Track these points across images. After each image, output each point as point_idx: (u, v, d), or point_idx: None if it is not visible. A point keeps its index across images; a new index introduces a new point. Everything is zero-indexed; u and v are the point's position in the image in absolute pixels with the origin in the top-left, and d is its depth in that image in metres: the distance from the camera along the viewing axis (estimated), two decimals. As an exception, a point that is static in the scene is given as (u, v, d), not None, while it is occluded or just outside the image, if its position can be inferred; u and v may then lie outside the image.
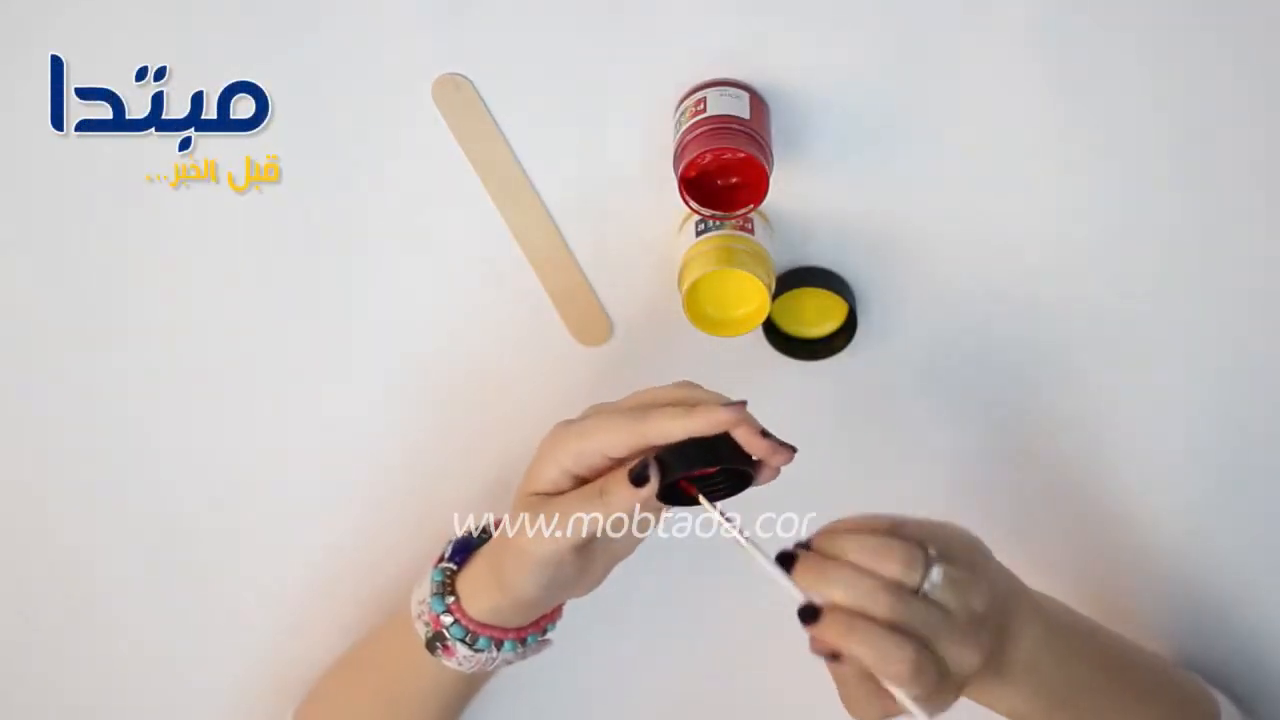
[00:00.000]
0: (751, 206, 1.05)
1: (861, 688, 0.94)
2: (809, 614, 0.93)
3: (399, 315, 1.16)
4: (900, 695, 0.92)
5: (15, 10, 1.09)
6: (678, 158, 1.06)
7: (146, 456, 1.20)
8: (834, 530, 0.95)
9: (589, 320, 1.15)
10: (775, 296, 1.09)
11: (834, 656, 0.93)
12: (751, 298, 1.09)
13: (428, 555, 1.16)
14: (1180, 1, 1.06)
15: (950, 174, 1.10)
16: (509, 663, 1.07)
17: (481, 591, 1.04)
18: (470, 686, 1.10)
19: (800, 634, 1.22)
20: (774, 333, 1.14)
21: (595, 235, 1.13)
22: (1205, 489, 1.18)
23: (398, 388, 1.18)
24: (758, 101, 1.07)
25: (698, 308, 1.09)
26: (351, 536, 1.21)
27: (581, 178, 1.11)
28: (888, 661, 0.91)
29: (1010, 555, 1.00)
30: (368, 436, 1.19)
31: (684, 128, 1.06)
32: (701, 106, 1.06)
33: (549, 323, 1.15)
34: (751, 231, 1.09)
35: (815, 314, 1.14)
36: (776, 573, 0.94)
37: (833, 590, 0.93)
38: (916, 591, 0.93)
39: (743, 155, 1.04)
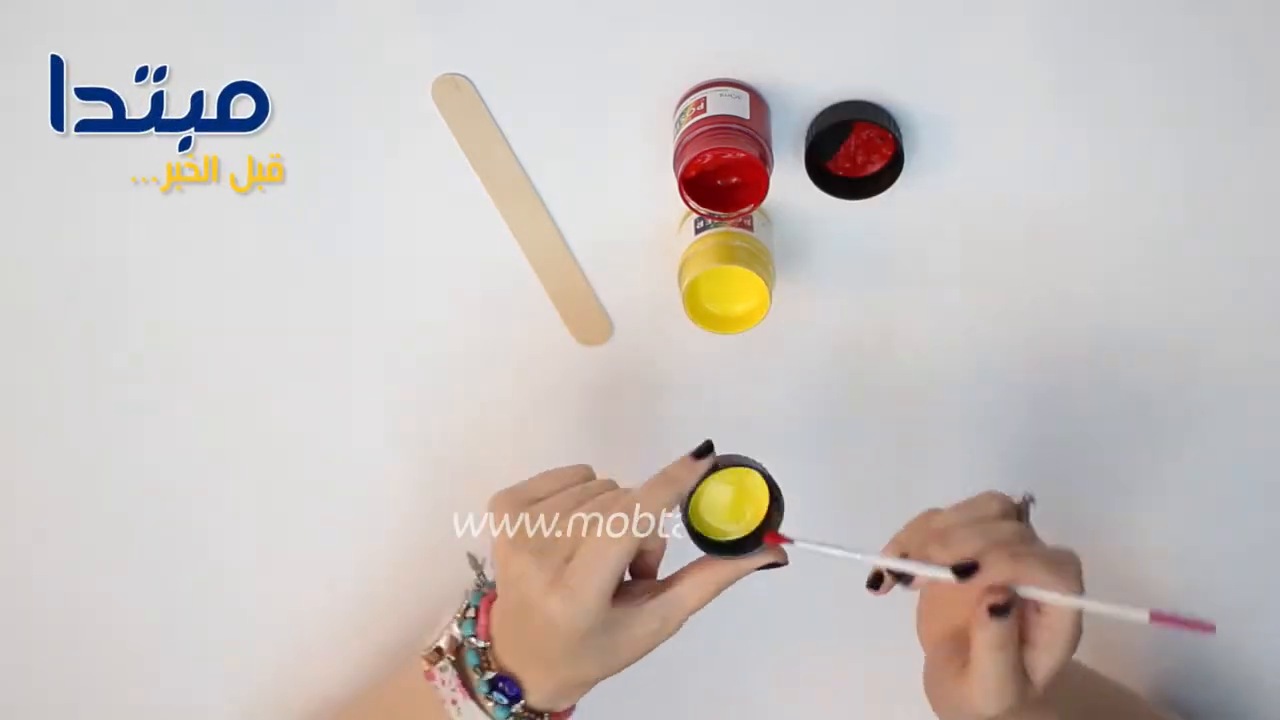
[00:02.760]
0: (752, 206, 1.06)
1: (1010, 662, 0.95)
2: (966, 570, 0.95)
3: (398, 316, 1.16)
4: (1079, 601, 0.94)
5: (15, 10, 1.09)
6: (678, 158, 1.06)
7: (145, 456, 1.20)
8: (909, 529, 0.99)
9: (589, 320, 1.15)
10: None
11: (1003, 609, 0.94)
12: (751, 294, 1.09)
13: (424, 553, 1.18)
14: (1182, 1, 1.06)
15: (950, 174, 1.10)
16: None
17: (538, 688, 1.04)
18: None
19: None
20: None
21: (595, 235, 1.13)
22: (1196, 514, 1.18)
23: (398, 388, 1.18)
24: (758, 101, 1.07)
25: (697, 305, 1.09)
26: (347, 536, 1.21)
27: (581, 178, 1.11)
28: (1062, 565, 0.95)
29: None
30: (366, 437, 1.19)
31: (684, 128, 1.06)
32: (701, 106, 1.06)
33: (549, 323, 1.15)
34: (750, 228, 1.09)
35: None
36: (908, 565, 0.96)
37: (966, 546, 0.95)
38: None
39: (743, 155, 1.04)
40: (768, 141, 1.06)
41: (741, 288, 1.09)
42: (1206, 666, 1.21)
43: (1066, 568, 0.95)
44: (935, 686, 0.99)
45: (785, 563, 1.01)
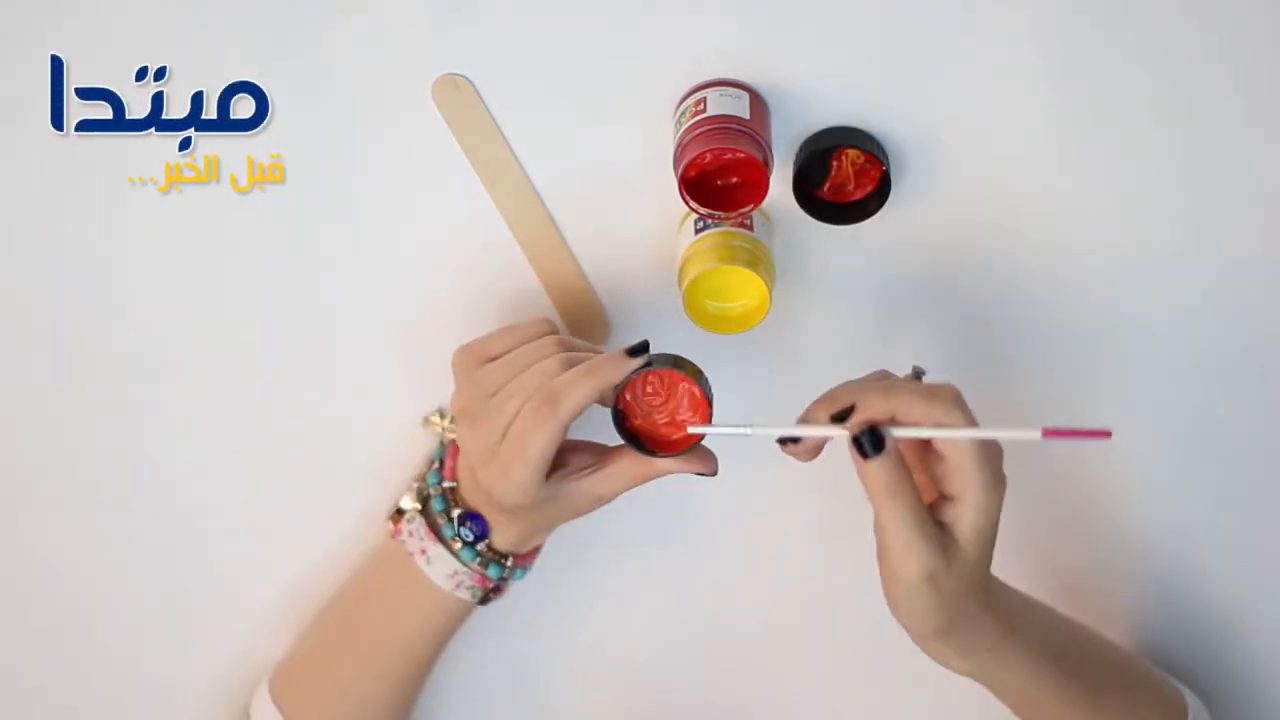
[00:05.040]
0: (752, 206, 1.06)
1: (911, 510, 0.95)
2: (842, 416, 0.96)
3: (398, 315, 1.16)
4: (960, 433, 0.94)
5: (15, 10, 1.09)
6: (678, 158, 1.06)
7: (146, 456, 1.20)
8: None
9: (589, 320, 1.15)
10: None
11: (865, 442, 0.94)
12: (750, 294, 1.09)
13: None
14: (1181, 2, 1.06)
15: (949, 174, 1.11)
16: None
17: (502, 530, 1.08)
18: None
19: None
20: None
21: (595, 234, 1.13)
22: (1185, 488, 1.18)
23: (397, 387, 1.18)
24: (758, 101, 1.08)
25: (697, 305, 1.09)
26: (346, 536, 1.21)
27: (581, 178, 1.12)
28: (935, 393, 0.95)
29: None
30: (367, 435, 1.19)
31: (684, 128, 1.06)
32: (701, 106, 1.06)
33: (549, 322, 1.15)
34: (750, 228, 1.10)
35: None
36: (797, 429, 0.98)
37: (845, 398, 0.96)
38: None
39: (743, 155, 1.04)
40: (768, 141, 1.06)
41: (741, 288, 1.09)
42: (1189, 624, 1.21)
43: (942, 395, 0.95)
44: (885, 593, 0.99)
45: (712, 473, 1.03)
